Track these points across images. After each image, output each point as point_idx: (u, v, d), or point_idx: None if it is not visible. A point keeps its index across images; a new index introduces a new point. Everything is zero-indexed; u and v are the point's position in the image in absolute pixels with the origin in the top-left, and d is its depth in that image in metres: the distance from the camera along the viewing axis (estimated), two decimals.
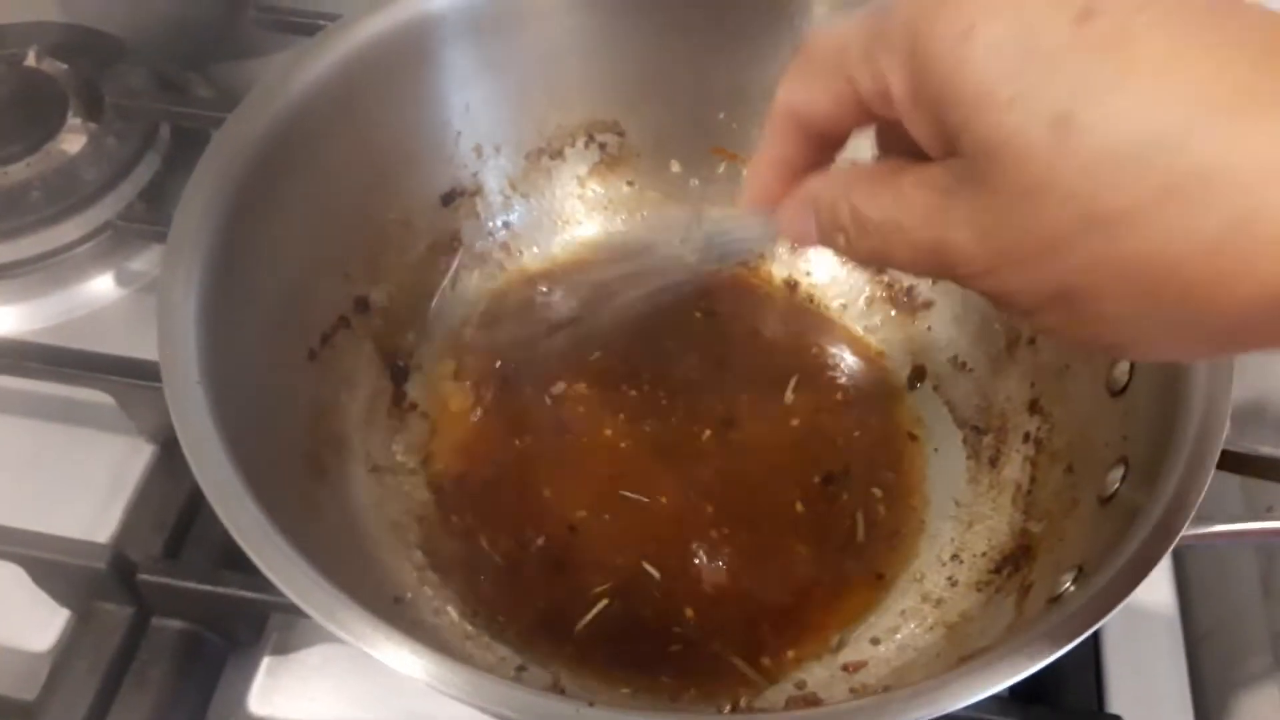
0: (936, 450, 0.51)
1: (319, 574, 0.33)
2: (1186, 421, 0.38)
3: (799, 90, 0.29)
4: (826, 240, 0.29)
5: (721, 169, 0.57)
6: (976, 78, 0.23)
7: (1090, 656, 0.47)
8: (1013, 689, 0.45)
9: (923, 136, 0.26)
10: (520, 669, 0.43)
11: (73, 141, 0.59)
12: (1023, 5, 0.23)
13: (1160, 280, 0.22)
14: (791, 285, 0.57)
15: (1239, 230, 0.21)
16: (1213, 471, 0.37)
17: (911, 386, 0.53)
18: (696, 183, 0.57)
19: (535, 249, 0.56)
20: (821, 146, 0.30)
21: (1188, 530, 0.36)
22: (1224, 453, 0.38)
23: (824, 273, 0.56)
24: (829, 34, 0.28)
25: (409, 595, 0.43)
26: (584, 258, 0.56)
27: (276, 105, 0.44)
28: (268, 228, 0.43)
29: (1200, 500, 0.36)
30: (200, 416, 0.35)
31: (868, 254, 0.28)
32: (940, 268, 0.26)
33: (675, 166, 0.57)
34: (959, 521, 0.48)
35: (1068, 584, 0.39)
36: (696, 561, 0.47)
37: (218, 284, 0.39)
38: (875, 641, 0.45)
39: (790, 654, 0.45)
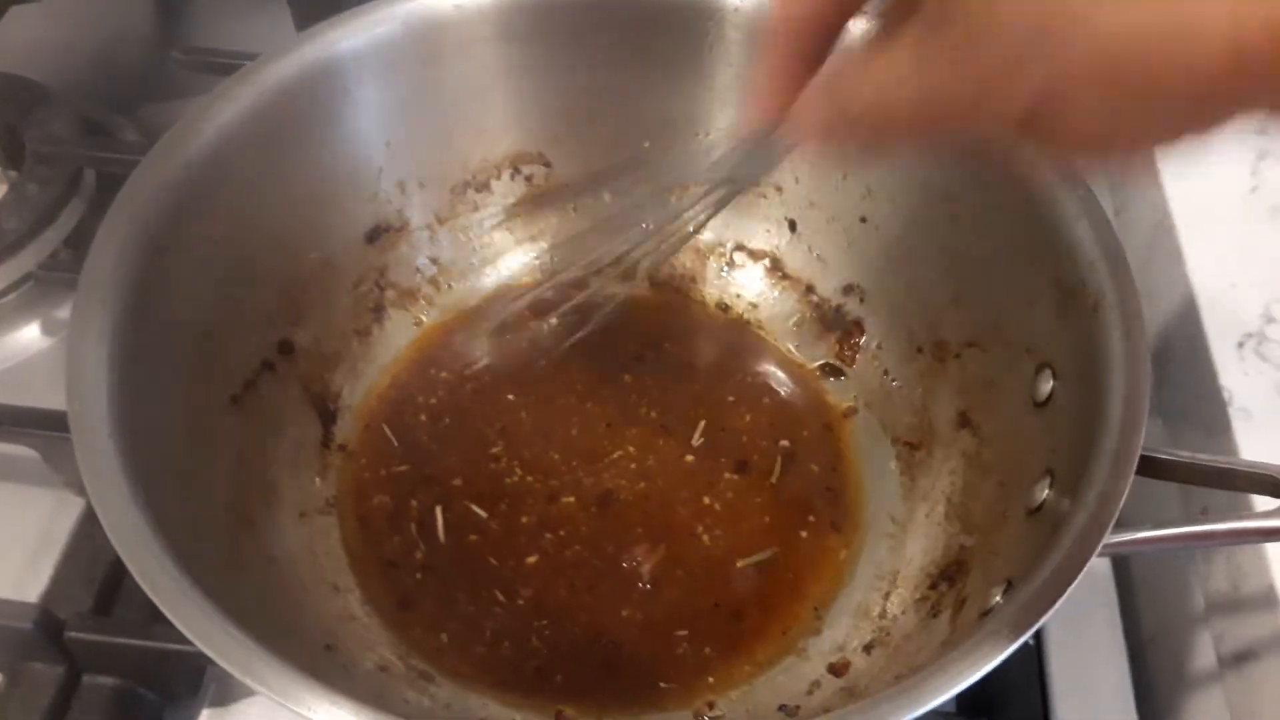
0: (870, 465, 0.51)
1: (238, 628, 0.32)
2: (1106, 431, 0.39)
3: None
4: (832, 130, 0.31)
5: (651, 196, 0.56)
6: None
7: (1034, 667, 0.47)
8: (958, 703, 0.45)
9: None
10: (447, 706, 0.42)
11: None
12: None
13: (1118, 64, 0.24)
14: (724, 308, 0.57)
15: (1166, 12, 0.23)
16: (1131, 479, 0.37)
17: (845, 406, 0.54)
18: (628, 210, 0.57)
19: (464, 283, 0.56)
20: (812, 53, 0.32)
21: (1111, 539, 0.37)
22: (1143, 459, 0.38)
23: (754, 294, 0.57)
24: None
25: (342, 641, 0.43)
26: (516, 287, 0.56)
27: (189, 150, 0.44)
28: (183, 273, 0.43)
29: (1119, 508, 0.36)
30: (112, 471, 0.34)
31: (872, 128, 0.30)
32: (935, 117, 0.28)
33: (606, 196, 0.57)
34: (895, 538, 0.49)
35: (997, 598, 0.39)
36: (631, 580, 0.47)
37: (131, 333, 0.39)
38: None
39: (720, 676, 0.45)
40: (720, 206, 0.41)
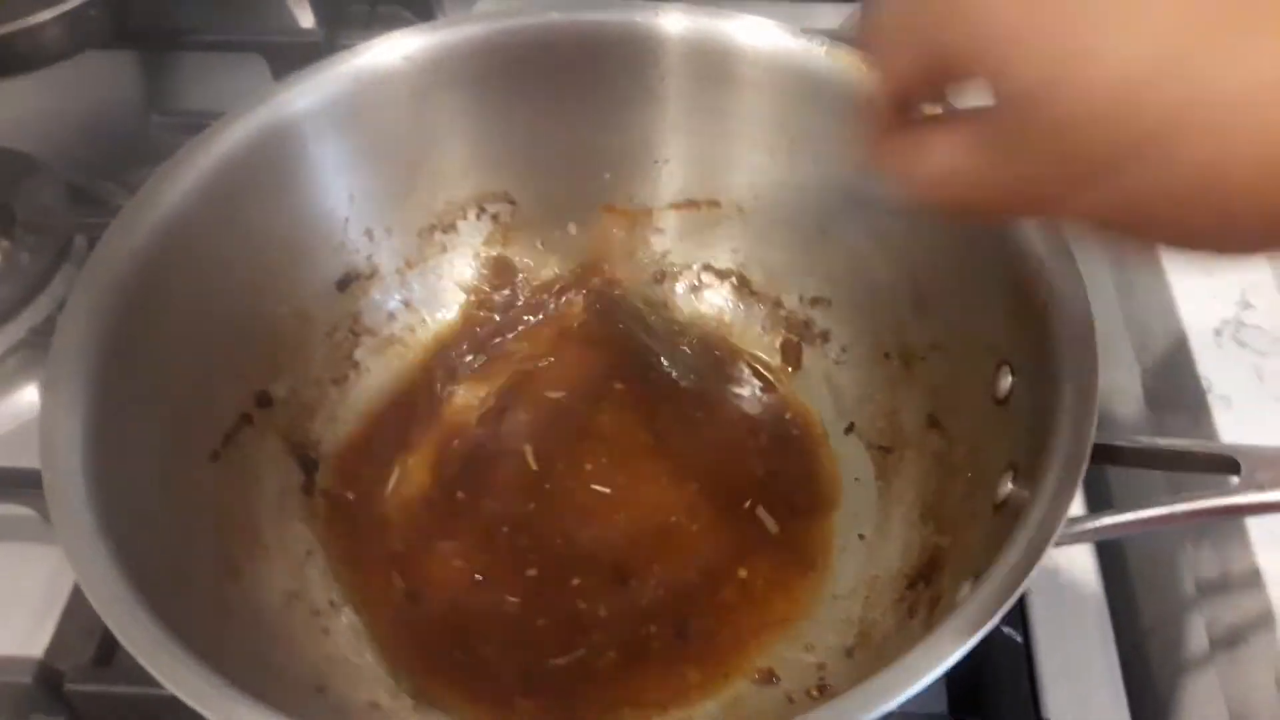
0: (846, 470, 0.52)
1: (220, 677, 0.33)
2: (1060, 423, 0.39)
3: (879, 77, 0.31)
4: (906, 189, 0.31)
5: (616, 227, 0.58)
6: (1000, 25, 0.25)
7: (1023, 664, 0.47)
8: (951, 704, 0.46)
9: (981, 83, 0.27)
10: None
11: None
12: None
13: (1200, 193, 0.23)
14: (695, 328, 0.58)
15: (1262, 141, 0.22)
16: (1084, 468, 0.38)
17: (820, 415, 0.55)
18: (594, 241, 0.58)
19: (438, 323, 0.57)
20: (911, 109, 0.32)
21: (1072, 529, 0.37)
22: (1103, 448, 0.39)
23: (723, 312, 0.58)
24: (873, 27, 0.30)
25: (333, 682, 0.43)
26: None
27: (153, 216, 0.45)
28: (155, 336, 0.44)
29: (1073, 497, 0.37)
30: (89, 534, 0.35)
31: (939, 200, 0.30)
32: (1004, 204, 0.28)
33: (572, 229, 0.58)
34: (872, 543, 0.49)
35: (965, 594, 0.40)
36: (612, 602, 0.48)
37: (105, 397, 0.40)
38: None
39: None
40: None
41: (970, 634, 0.34)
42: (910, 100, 0.31)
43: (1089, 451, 0.38)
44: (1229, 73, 0.22)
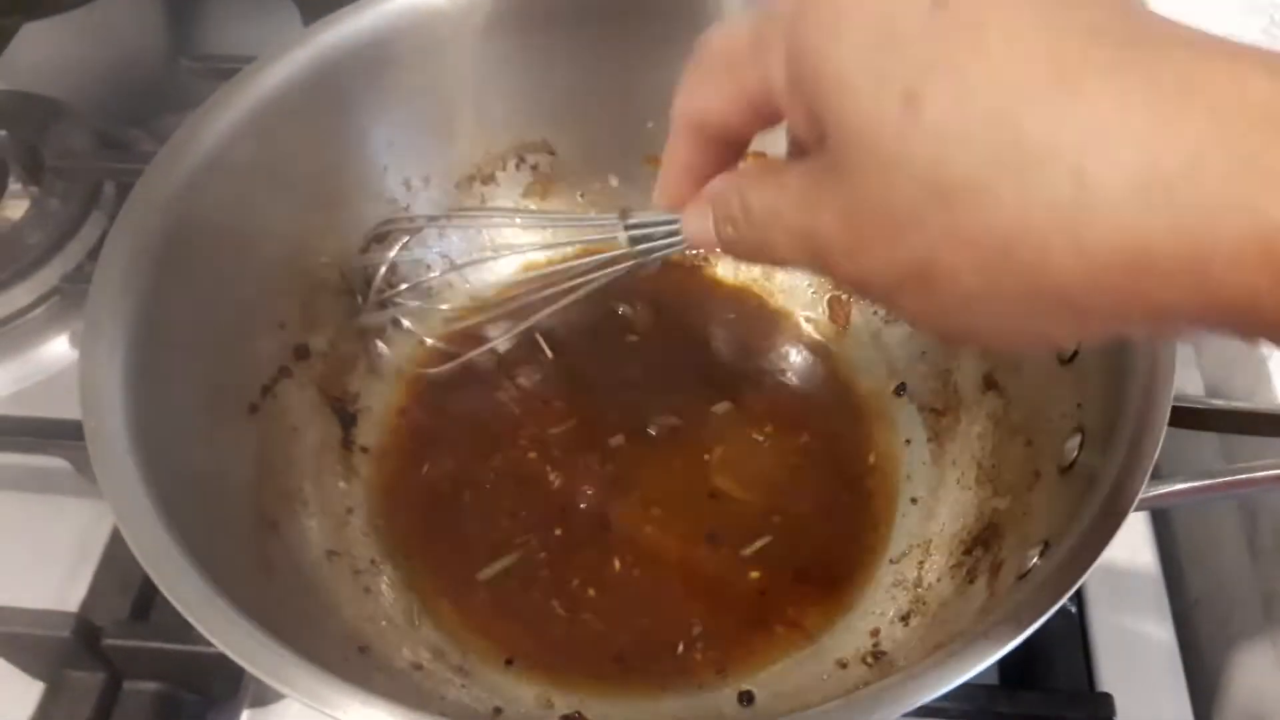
0: (897, 433, 0.51)
1: (264, 632, 0.32)
2: (1134, 383, 0.38)
3: (695, 96, 0.31)
4: (720, 235, 0.30)
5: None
6: (839, 66, 0.24)
7: (1077, 635, 0.47)
8: (1003, 674, 0.45)
9: (801, 130, 0.26)
10: (497, 710, 0.42)
11: (15, 207, 0.60)
12: None
13: (1004, 252, 0.22)
14: (736, 282, 0.56)
15: (1071, 199, 0.21)
16: (1164, 429, 0.36)
17: (868, 375, 0.53)
18: (634, 194, 0.56)
19: (477, 277, 0.55)
20: (725, 150, 0.31)
21: (1147, 493, 0.36)
22: (1174, 410, 0.37)
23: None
24: (718, 38, 0.29)
25: (375, 642, 0.43)
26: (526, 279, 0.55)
27: (188, 162, 0.43)
28: (193, 284, 0.43)
29: (1154, 460, 0.35)
30: (132, 484, 0.35)
31: (753, 246, 0.29)
32: (812, 255, 0.27)
33: (613, 181, 0.56)
34: (926, 506, 0.48)
35: (1034, 560, 0.38)
36: (662, 563, 0.47)
37: (144, 345, 0.39)
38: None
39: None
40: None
41: (1049, 603, 0.33)
42: (732, 134, 0.30)
43: (1168, 412, 0.37)
44: (1056, 122, 0.21)
